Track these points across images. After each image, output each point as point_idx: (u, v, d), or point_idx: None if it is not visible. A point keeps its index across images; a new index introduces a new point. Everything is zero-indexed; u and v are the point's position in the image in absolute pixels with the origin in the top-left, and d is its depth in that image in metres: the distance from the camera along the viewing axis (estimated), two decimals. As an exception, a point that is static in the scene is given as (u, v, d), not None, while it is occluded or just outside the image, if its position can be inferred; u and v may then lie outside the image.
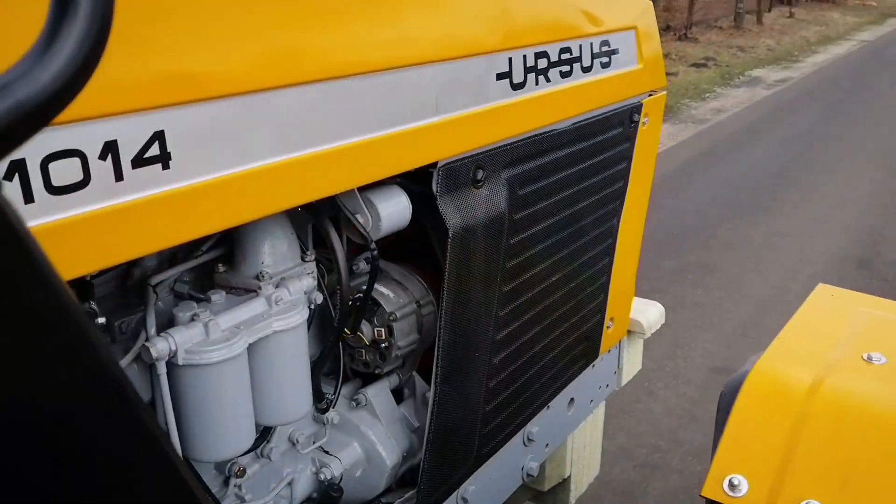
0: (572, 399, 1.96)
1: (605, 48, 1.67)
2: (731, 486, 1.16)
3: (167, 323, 1.11)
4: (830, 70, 14.66)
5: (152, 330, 1.09)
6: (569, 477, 2.16)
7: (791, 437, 1.18)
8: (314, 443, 1.41)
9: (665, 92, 1.94)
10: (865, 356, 1.30)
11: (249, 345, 1.13)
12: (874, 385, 1.26)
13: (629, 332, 2.17)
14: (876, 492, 1.11)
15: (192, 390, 1.09)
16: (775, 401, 1.24)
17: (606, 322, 2.00)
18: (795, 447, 1.17)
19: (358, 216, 1.25)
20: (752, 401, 1.24)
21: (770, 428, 1.20)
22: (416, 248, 1.51)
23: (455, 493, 1.57)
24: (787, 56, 16.44)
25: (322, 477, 1.41)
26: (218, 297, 1.15)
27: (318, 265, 1.33)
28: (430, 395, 1.43)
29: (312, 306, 1.27)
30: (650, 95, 1.88)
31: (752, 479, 1.16)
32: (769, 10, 23.07)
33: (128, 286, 1.17)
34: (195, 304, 1.13)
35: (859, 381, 1.26)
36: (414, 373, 1.58)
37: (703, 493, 1.19)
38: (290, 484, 1.38)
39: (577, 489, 2.21)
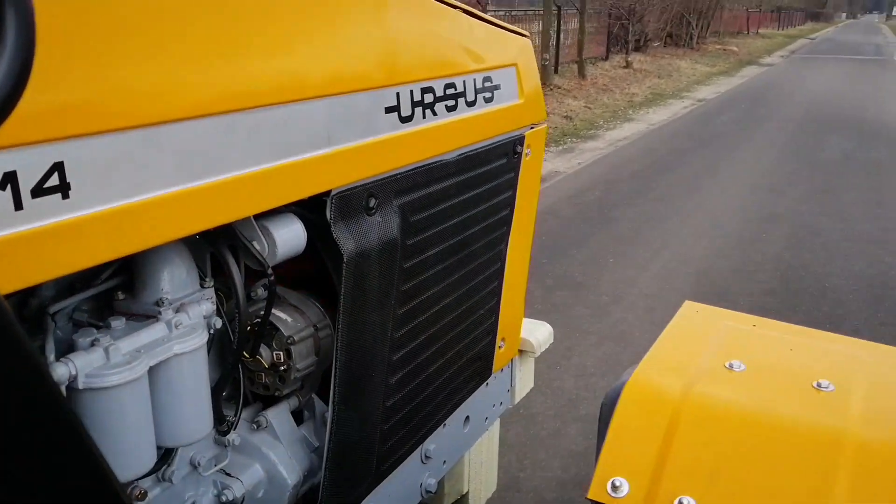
0: (468, 417, 2.05)
1: (487, 84, 1.79)
2: (614, 487, 1.28)
3: (67, 350, 1.13)
4: (624, 154, 10.42)
5: (51, 357, 1.11)
6: (467, 493, 2.24)
7: (665, 441, 1.31)
8: (216, 465, 1.44)
9: (546, 125, 2.09)
10: (727, 364, 1.46)
11: (150, 368, 1.16)
12: (735, 390, 1.42)
13: (520, 351, 2.29)
14: (739, 484, 1.25)
15: (93, 414, 1.11)
16: (650, 408, 1.37)
17: (498, 342, 2.10)
18: (669, 449, 1.30)
19: (254, 243, 1.31)
20: (630, 409, 1.37)
21: (646, 433, 1.33)
22: (313, 274, 1.57)
23: None
24: (584, 129, 12.17)
25: (224, 499, 1.44)
26: (118, 323, 1.18)
27: (217, 292, 1.38)
28: (329, 414, 1.48)
29: (212, 331, 1.32)
30: (532, 128, 2.01)
31: (632, 480, 1.28)
32: (606, 59, 19.96)
33: (25, 316, 1.19)
34: (95, 331, 1.15)
35: (722, 387, 1.41)
36: (313, 394, 1.64)
37: (588, 496, 1.30)
38: None
39: None
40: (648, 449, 1.30)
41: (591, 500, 1.29)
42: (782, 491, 1.21)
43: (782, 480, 1.22)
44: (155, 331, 1.20)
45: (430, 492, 1.92)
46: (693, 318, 1.70)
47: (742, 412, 1.34)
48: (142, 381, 1.14)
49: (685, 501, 1.22)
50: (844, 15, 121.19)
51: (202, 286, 1.32)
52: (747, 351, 1.52)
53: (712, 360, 1.48)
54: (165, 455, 1.33)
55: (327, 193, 1.36)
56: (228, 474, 1.46)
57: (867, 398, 1.36)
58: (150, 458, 1.21)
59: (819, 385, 1.40)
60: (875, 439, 1.26)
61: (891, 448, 1.24)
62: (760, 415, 1.33)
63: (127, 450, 1.16)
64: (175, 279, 1.27)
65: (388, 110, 1.47)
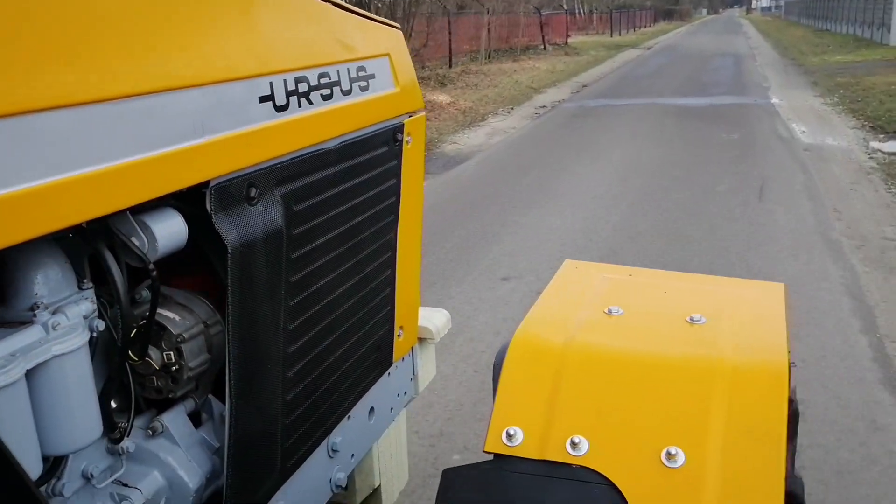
0: (372, 408, 2.05)
1: (361, 73, 1.81)
2: (509, 437, 1.32)
3: None
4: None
5: None
6: (379, 486, 2.24)
7: (553, 388, 1.36)
8: (111, 476, 1.38)
9: (424, 113, 2.12)
10: (606, 310, 1.53)
11: (29, 372, 1.11)
12: (615, 332, 1.49)
13: (420, 339, 2.31)
14: (626, 418, 1.32)
15: None
16: (536, 359, 1.42)
17: (396, 331, 2.11)
18: (558, 395, 1.35)
19: (133, 239, 1.27)
20: (517, 362, 1.41)
21: (535, 383, 1.38)
22: (201, 273, 1.54)
23: None
24: None
25: None
26: None
27: (101, 299, 1.33)
28: (226, 411, 1.45)
29: (94, 333, 1.27)
30: (410, 116, 2.04)
31: (526, 427, 1.32)
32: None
33: None
34: None
35: (603, 331, 1.48)
36: (210, 395, 1.60)
37: (486, 449, 1.33)
38: None
39: (388, 498, 2.29)
40: (538, 397, 1.35)
41: (489, 454, 1.32)
42: (665, 419, 1.28)
43: (664, 409, 1.29)
44: (30, 334, 1.14)
45: (340, 486, 1.90)
46: (572, 274, 1.77)
47: (623, 352, 1.41)
48: (19, 386, 1.09)
49: (576, 440, 1.27)
50: (705, 11, 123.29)
51: (80, 288, 1.27)
52: (624, 297, 1.60)
53: (592, 309, 1.55)
54: (53, 466, 1.27)
55: (206, 185, 1.34)
56: (125, 484, 1.41)
57: (736, 327, 1.46)
58: (36, 469, 1.15)
59: (692, 319, 1.49)
60: (745, 363, 1.35)
61: (759, 370, 1.34)
62: (640, 352, 1.41)
63: None
64: (50, 282, 1.21)
65: (263, 99, 1.47)
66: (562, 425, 1.30)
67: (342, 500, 2.18)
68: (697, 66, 23.18)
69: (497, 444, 1.31)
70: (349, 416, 1.92)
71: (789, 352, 1.35)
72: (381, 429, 2.14)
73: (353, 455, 1.97)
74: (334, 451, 1.86)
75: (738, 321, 1.48)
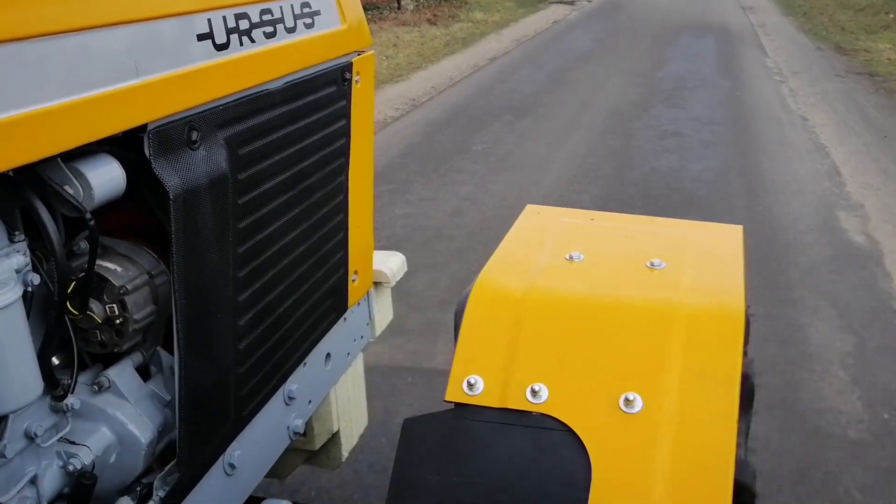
0: (329, 354, 2.03)
1: (306, 10, 1.72)
2: (469, 386, 1.30)
3: None
4: None
5: None
6: (338, 431, 2.23)
7: (514, 336, 1.34)
8: (57, 434, 1.34)
9: (373, 51, 2.05)
10: (567, 256, 1.51)
11: None
12: (576, 278, 1.47)
13: (376, 283, 2.28)
14: (585, 365, 1.31)
15: None
16: (496, 307, 1.40)
17: (351, 275, 2.08)
18: (518, 343, 1.33)
19: (67, 187, 1.20)
20: (477, 311, 1.39)
21: (495, 331, 1.36)
22: (145, 225, 1.48)
23: (220, 458, 1.57)
24: None
25: (72, 468, 1.35)
26: None
27: (36, 253, 1.26)
28: (175, 363, 1.41)
29: (29, 288, 1.21)
30: (359, 55, 1.97)
31: (486, 376, 1.31)
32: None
33: None
34: None
35: (564, 277, 1.46)
36: (159, 348, 1.55)
37: (446, 399, 1.31)
38: (33, 482, 1.30)
39: (347, 442, 2.29)
40: (498, 345, 1.33)
41: (449, 403, 1.31)
42: (623, 365, 1.28)
43: (623, 355, 1.29)
44: None
45: (298, 433, 1.89)
46: (534, 219, 1.75)
47: (583, 298, 1.40)
48: None
49: (536, 388, 1.26)
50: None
51: (11, 241, 1.20)
52: (585, 242, 1.58)
53: (553, 255, 1.52)
54: None
55: (143, 129, 1.27)
56: (73, 442, 1.37)
57: (694, 272, 1.45)
58: None
59: (652, 264, 1.47)
60: (702, 308, 1.35)
61: (715, 315, 1.33)
62: (600, 298, 1.39)
63: None
64: None
65: (201, 37, 1.39)
66: (522, 373, 1.29)
67: (301, 447, 2.18)
68: (646, 62, 12.00)
69: (458, 393, 1.30)
70: (305, 363, 1.90)
71: (746, 298, 1.35)
72: (338, 374, 2.12)
73: (310, 401, 1.95)
74: (290, 398, 1.84)
75: (696, 266, 1.47)
